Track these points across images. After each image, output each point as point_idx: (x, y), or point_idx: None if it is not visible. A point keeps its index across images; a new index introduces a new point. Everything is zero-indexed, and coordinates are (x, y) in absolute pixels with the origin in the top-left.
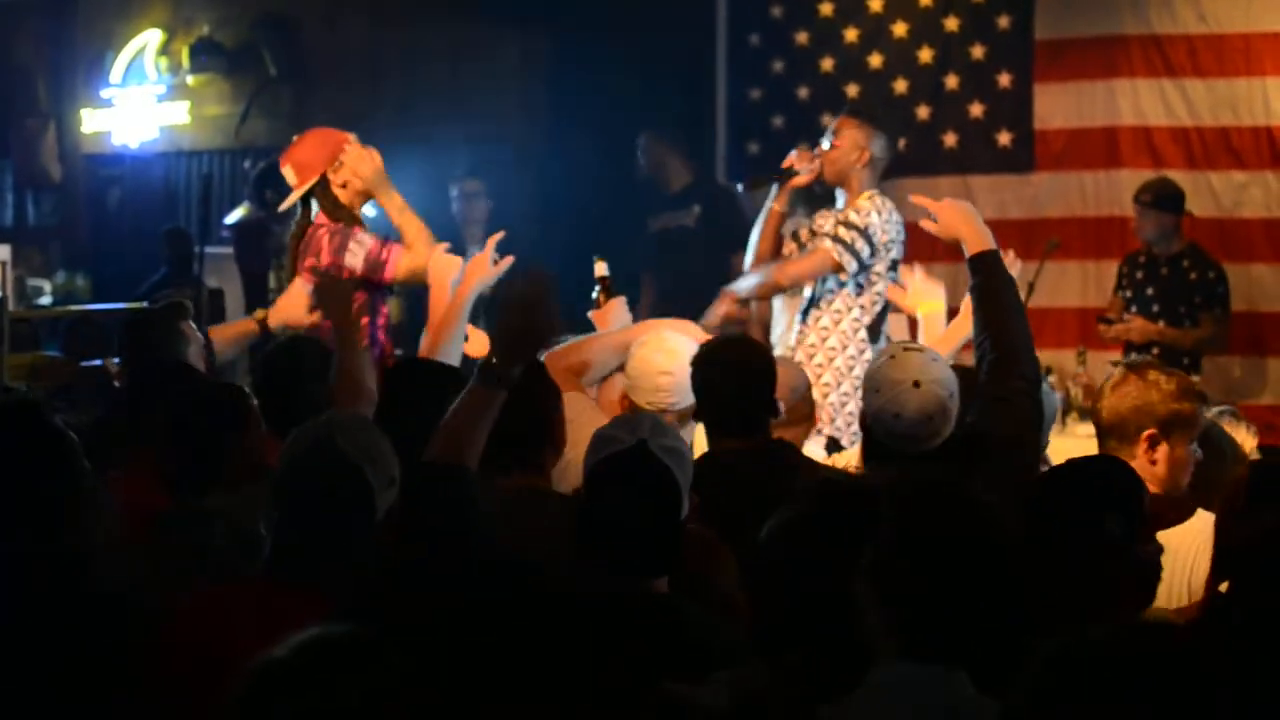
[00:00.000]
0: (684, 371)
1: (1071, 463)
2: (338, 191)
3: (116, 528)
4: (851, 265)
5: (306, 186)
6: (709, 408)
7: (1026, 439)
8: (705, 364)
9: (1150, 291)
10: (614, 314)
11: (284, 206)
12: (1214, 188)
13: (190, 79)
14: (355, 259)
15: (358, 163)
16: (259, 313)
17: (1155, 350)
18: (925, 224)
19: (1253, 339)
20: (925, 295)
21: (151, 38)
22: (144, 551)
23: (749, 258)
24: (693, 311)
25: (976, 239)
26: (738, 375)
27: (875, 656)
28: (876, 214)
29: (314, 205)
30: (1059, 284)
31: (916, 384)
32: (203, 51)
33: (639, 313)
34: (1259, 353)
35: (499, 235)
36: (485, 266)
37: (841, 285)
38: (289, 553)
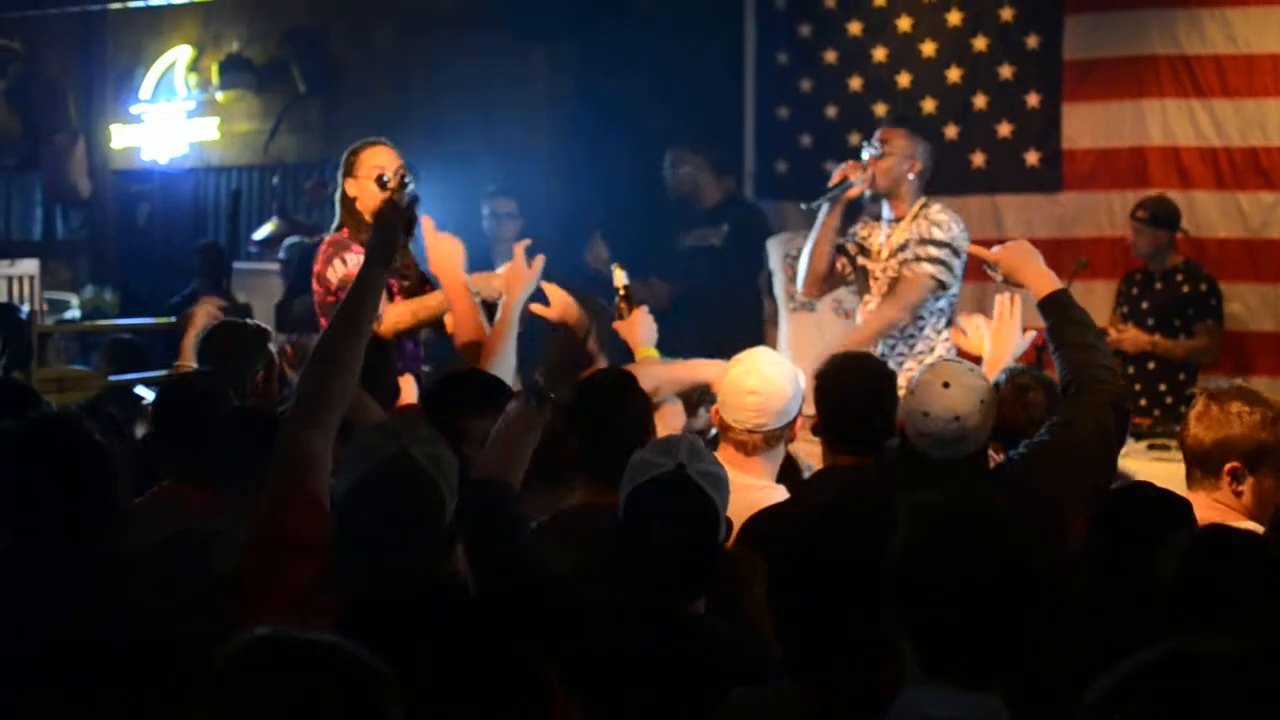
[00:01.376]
0: (774, 394)
1: (1126, 493)
2: (354, 203)
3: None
4: (954, 284)
5: None
6: (830, 423)
7: (1090, 461)
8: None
9: (1145, 305)
10: (640, 324)
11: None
12: (1243, 208)
13: (220, 95)
14: (334, 275)
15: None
16: None
17: (1151, 364)
18: (989, 272)
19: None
20: (976, 336)
21: (181, 54)
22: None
23: (802, 275)
24: (720, 331)
25: (1042, 282)
26: (860, 390)
27: (904, 679)
28: (954, 224)
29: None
30: (1086, 303)
31: (946, 384)
32: (232, 67)
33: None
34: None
35: (526, 242)
36: (523, 273)
37: (937, 300)
38: (358, 565)
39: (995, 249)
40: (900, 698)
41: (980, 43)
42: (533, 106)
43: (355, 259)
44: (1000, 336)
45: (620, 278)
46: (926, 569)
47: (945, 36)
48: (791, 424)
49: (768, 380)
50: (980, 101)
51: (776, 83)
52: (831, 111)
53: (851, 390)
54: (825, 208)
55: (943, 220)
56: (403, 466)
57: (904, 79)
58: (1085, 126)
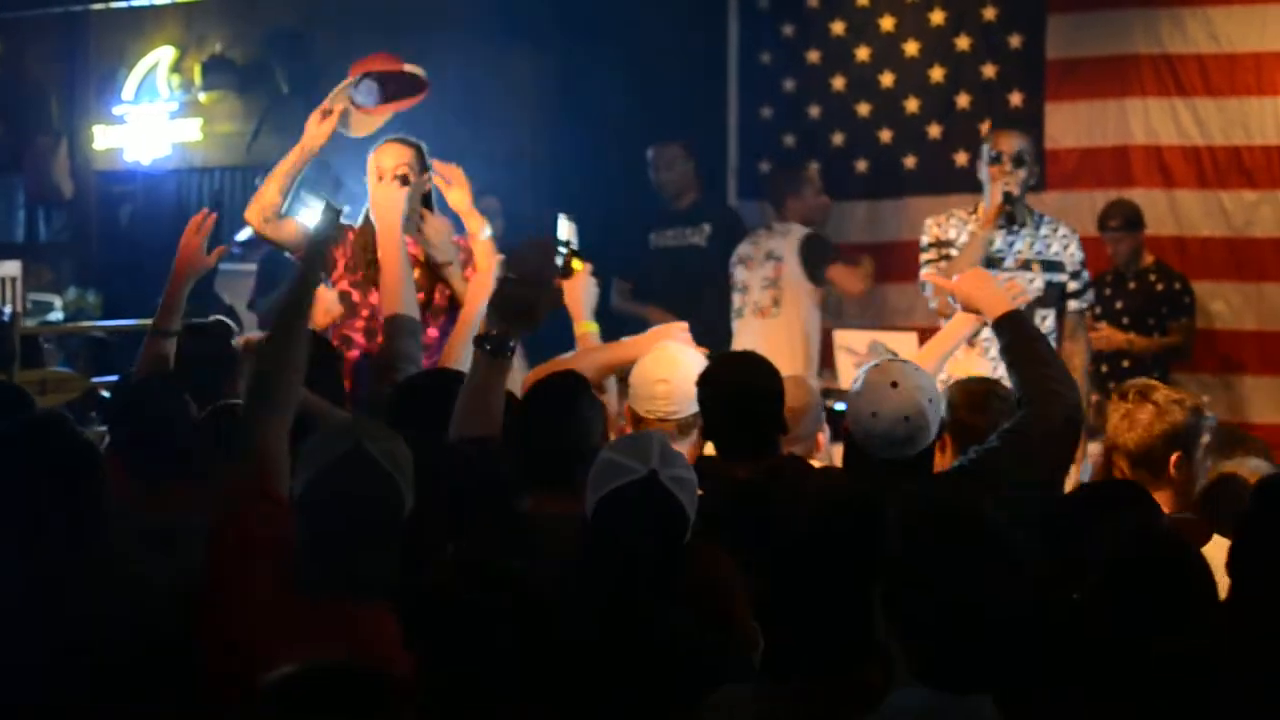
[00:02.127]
0: (683, 381)
1: (1086, 491)
2: None
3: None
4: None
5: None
6: (716, 429)
7: (1041, 473)
8: (709, 384)
9: (1119, 304)
10: (581, 286)
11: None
12: (1225, 207)
13: (202, 96)
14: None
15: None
16: None
17: (1125, 362)
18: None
19: (1264, 358)
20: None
21: (164, 55)
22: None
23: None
24: (703, 330)
25: (993, 304)
26: (743, 395)
27: (894, 680)
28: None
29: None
30: None
31: (894, 384)
32: (215, 68)
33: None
34: (1271, 372)
35: (499, 257)
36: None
37: None
38: (319, 563)
39: (954, 278)
40: (890, 698)
41: (963, 42)
42: (517, 107)
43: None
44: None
45: (566, 229)
46: (917, 573)
47: (928, 36)
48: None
49: (675, 366)
50: (963, 101)
51: (759, 82)
52: (814, 111)
53: (731, 395)
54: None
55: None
56: (358, 463)
57: (887, 79)
58: (1068, 126)
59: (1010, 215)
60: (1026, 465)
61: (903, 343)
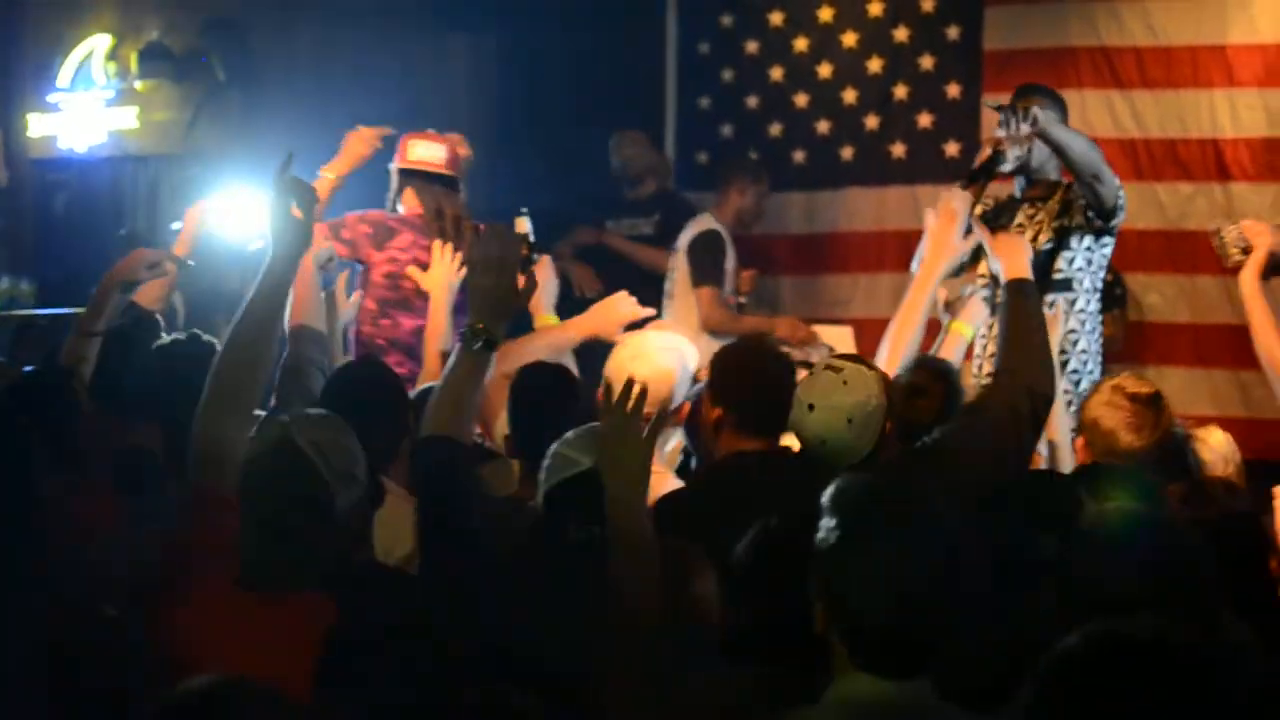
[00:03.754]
0: (660, 379)
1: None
2: None
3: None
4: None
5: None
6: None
7: (999, 455)
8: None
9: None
10: (542, 275)
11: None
12: (1161, 199)
13: (139, 84)
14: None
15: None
16: None
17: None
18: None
19: (1197, 351)
20: (968, 316)
21: (100, 42)
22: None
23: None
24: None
25: (1015, 265)
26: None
27: (836, 670)
28: None
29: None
30: None
31: (811, 407)
32: (151, 56)
33: None
34: (1203, 364)
35: (346, 274)
36: (343, 305)
37: None
38: (254, 557)
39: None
40: (831, 686)
41: (901, 33)
42: (455, 97)
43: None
44: (937, 239)
45: (524, 225)
46: (852, 558)
47: (866, 27)
48: (679, 409)
49: (649, 362)
50: (901, 92)
51: (698, 73)
52: (752, 102)
53: (759, 373)
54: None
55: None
56: (283, 450)
57: (825, 69)
58: None
59: (987, 170)
60: (982, 444)
61: (838, 336)
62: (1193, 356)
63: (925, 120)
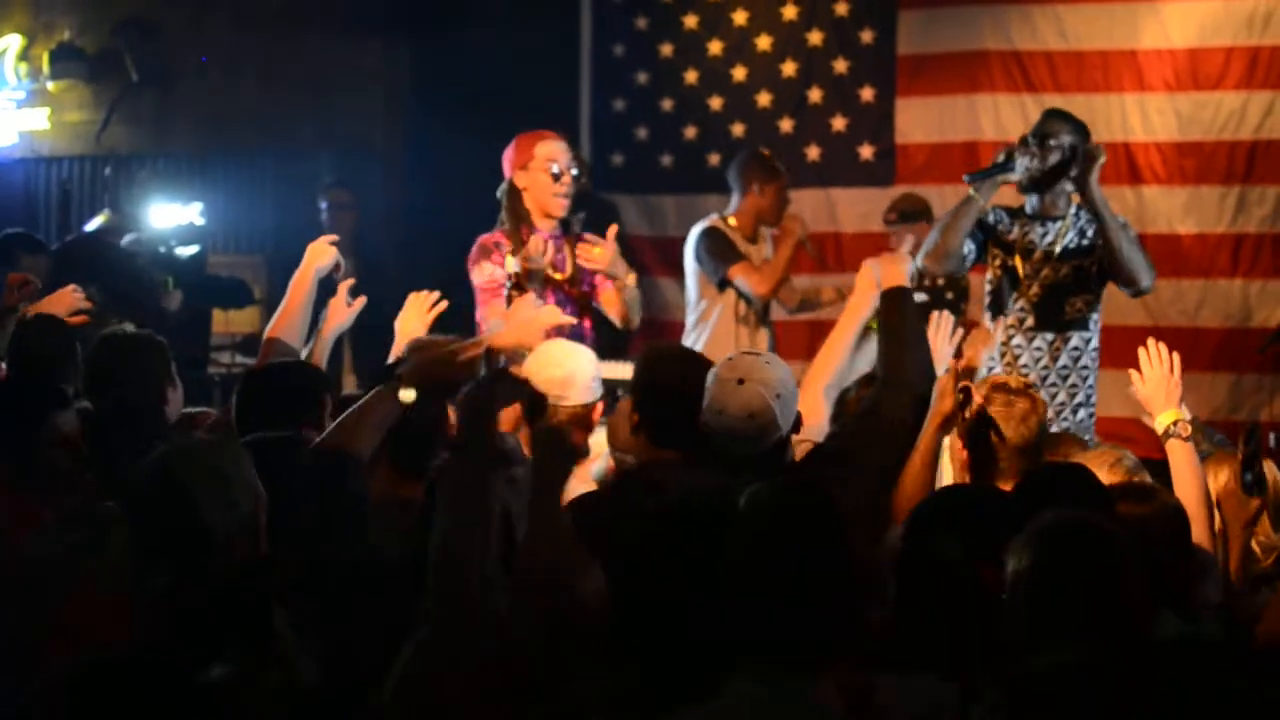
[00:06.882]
0: (574, 371)
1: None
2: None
3: None
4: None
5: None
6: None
7: (889, 456)
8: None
9: (950, 296)
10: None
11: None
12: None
13: (50, 84)
14: (478, 278)
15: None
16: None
17: None
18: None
19: (1109, 352)
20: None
21: (11, 42)
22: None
23: (930, 246)
24: None
25: (890, 275)
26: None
27: (732, 667)
28: None
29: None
30: None
31: (741, 381)
32: (63, 56)
33: None
34: (1116, 365)
35: (350, 282)
36: (342, 311)
37: None
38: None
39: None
40: (729, 685)
41: (815, 37)
42: (368, 100)
43: (494, 266)
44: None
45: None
46: (747, 558)
47: (780, 30)
48: (592, 406)
49: (564, 369)
50: (815, 95)
51: (612, 75)
52: (667, 104)
53: (673, 386)
54: (984, 187)
55: None
56: (157, 469)
57: (740, 72)
58: (918, 121)
59: (990, 173)
60: (878, 446)
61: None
62: (1105, 358)
63: (839, 123)
